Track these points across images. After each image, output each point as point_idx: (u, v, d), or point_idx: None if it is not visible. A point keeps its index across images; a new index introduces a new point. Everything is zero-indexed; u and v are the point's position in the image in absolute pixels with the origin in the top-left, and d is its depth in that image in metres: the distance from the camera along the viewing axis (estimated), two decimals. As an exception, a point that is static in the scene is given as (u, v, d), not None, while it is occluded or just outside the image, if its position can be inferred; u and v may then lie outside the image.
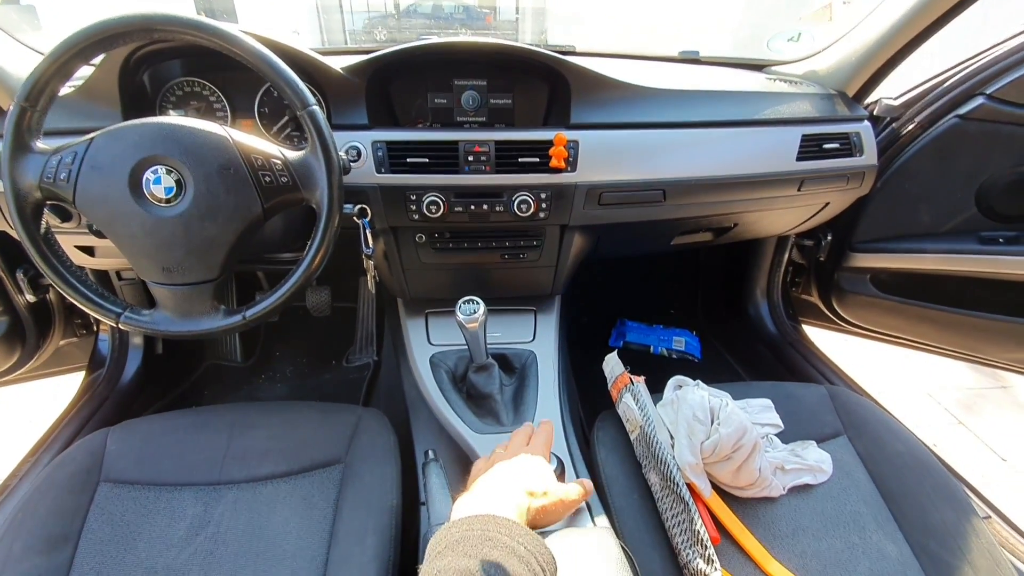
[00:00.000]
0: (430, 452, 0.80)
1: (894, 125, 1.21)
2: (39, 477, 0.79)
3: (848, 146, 1.10)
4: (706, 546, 0.70)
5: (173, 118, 0.68)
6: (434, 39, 0.91)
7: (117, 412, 1.30)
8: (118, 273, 1.34)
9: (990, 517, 1.03)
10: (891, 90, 1.22)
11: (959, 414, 2.11)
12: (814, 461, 0.85)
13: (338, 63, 0.91)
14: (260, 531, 0.76)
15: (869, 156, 1.13)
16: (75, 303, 0.71)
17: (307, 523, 0.77)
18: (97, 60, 0.85)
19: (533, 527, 0.58)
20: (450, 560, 0.44)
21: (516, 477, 0.61)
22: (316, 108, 0.69)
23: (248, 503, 0.79)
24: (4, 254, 1.15)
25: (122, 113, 0.86)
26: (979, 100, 1.11)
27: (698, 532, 0.72)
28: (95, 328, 1.44)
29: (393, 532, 0.77)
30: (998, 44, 1.12)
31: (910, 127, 1.19)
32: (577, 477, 0.87)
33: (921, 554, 0.75)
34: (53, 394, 1.83)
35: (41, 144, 0.67)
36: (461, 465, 0.93)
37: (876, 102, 1.21)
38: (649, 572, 0.72)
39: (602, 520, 0.78)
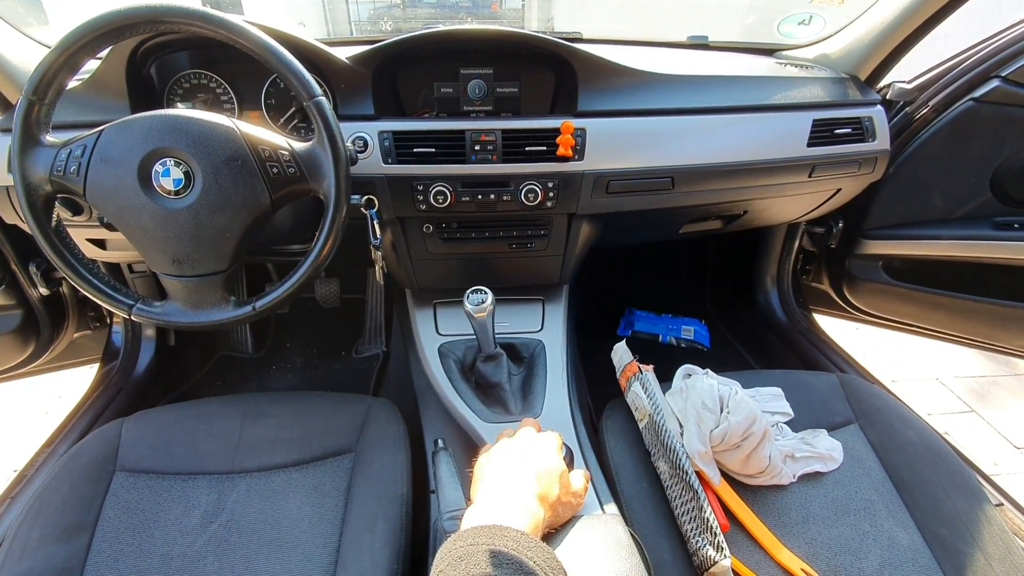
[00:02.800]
0: (439, 441, 0.80)
1: (907, 109, 1.19)
2: (56, 467, 0.81)
3: (860, 131, 1.09)
4: (715, 533, 0.71)
5: (181, 110, 0.68)
6: (440, 27, 0.90)
7: (131, 403, 1.32)
8: (130, 266, 1.36)
9: (1003, 505, 1.03)
10: (904, 74, 1.20)
11: (971, 402, 2.09)
12: (824, 449, 0.85)
13: (344, 53, 0.90)
14: (273, 519, 0.77)
15: (882, 141, 1.11)
16: (88, 295, 0.72)
17: (319, 511, 0.78)
18: (104, 53, 0.85)
19: (546, 529, 0.57)
20: None
21: (531, 481, 0.57)
22: (322, 99, 0.69)
23: (261, 491, 0.80)
24: (17, 248, 1.16)
25: (130, 106, 0.87)
26: (994, 83, 1.09)
27: (707, 520, 0.72)
28: (108, 321, 1.45)
29: (403, 520, 0.78)
30: (1014, 25, 1.09)
31: (924, 111, 1.17)
32: (586, 466, 0.87)
33: (933, 542, 0.75)
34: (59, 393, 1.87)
35: (50, 137, 0.68)
36: (470, 454, 0.93)
37: (889, 86, 1.19)
38: (658, 559, 0.72)
39: (611, 508, 0.78)
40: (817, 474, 0.83)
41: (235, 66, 0.95)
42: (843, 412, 0.94)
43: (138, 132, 0.66)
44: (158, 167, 0.66)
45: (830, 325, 1.61)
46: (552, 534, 0.61)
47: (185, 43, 0.92)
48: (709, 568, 0.68)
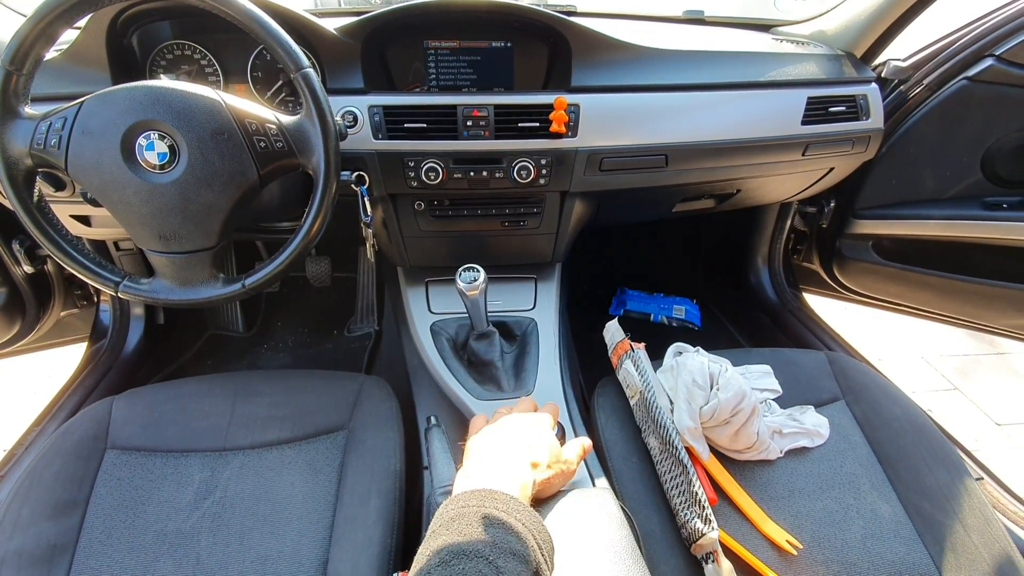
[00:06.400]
0: (432, 418, 0.80)
1: (902, 88, 1.19)
2: (45, 445, 0.80)
3: (855, 109, 1.08)
4: (704, 507, 0.72)
5: (164, 82, 0.66)
6: None
7: (121, 382, 1.31)
8: (116, 243, 1.33)
9: (983, 479, 1.05)
10: (900, 51, 1.19)
11: (955, 380, 2.13)
12: (811, 425, 0.86)
13: (332, 25, 0.88)
14: (267, 495, 0.77)
15: (876, 120, 1.11)
16: (73, 272, 0.71)
17: (312, 487, 0.79)
18: (83, 22, 0.82)
19: (536, 498, 0.58)
20: (445, 539, 0.43)
21: (521, 448, 0.58)
22: (310, 71, 0.67)
23: (254, 468, 0.81)
24: (-1, 225, 1.14)
25: (111, 77, 0.84)
26: (988, 62, 1.08)
27: (696, 494, 0.73)
28: (96, 299, 1.43)
29: (397, 495, 0.79)
30: (1009, 3, 1.08)
31: (918, 90, 1.16)
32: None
33: (914, 514, 0.77)
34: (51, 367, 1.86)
35: (29, 110, 0.66)
36: (462, 431, 0.93)
37: (884, 64, 1.18)
38: (648, 532, 0.74)
39: (602, 482, 0.79)
40: (804, 449, 0.85)
41: (220, 37, 0.93)
42: (830, 389, 0.95)
43: (120, 104, 0.64)
44: (142, 140, 0.64)
45: (819, 304, 1.62)
46: (544, 507, 0.62)
47: (167, 12, 0.89)
48: (697, 540, 0.70)
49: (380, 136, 0.88)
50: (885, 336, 2.33)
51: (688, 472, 0.75)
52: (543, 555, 0.45)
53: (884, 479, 0.81)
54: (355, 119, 0.87)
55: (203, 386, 0.91)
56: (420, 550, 0.44)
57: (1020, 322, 1.19)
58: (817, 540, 0.74)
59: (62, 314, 1.37)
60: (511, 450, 0.58)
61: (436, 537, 0.44)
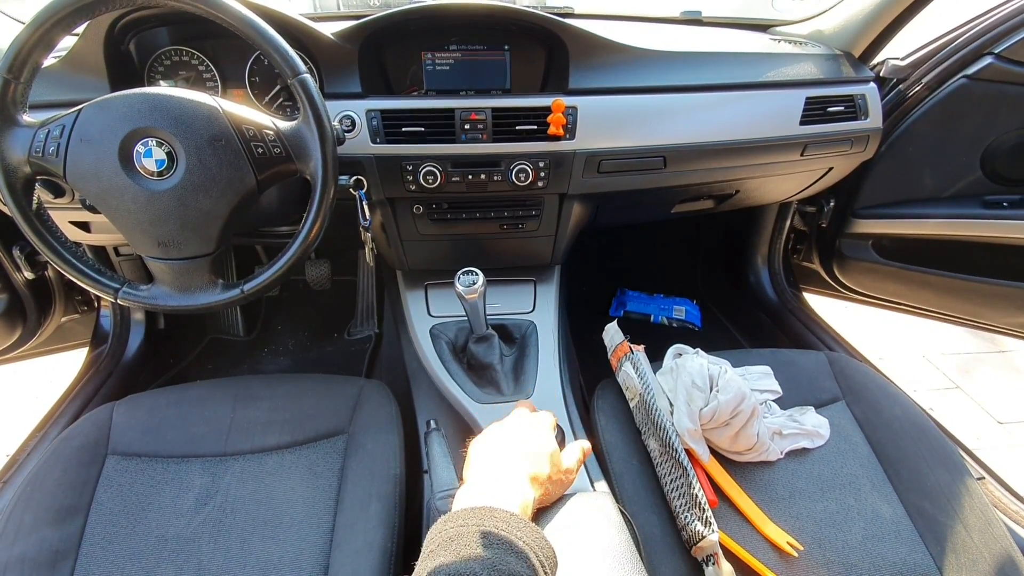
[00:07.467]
0: (432, 422, 0.80)
1: (900, 87, 1.19)
2: (47, 451, 0.81)
3: (853, 109, 1.08)
4: (704, 509, 0.72)
5: (161, 88, 0.66)
6: (429, 1, 0.88)
7: (121, 387, 1.32)
8: (116, 249, 1.34)
9: (984, 478, 1.05)
10: (899, 50, 1.19)
11: (956, 378, 2.13)
12: (812, 426, 0.86)
13: (330, 29, 0.88)
14: (267, 500, 0.78)
15: (874, 119, 1.11)
16: (73, 279, 0.71)
17: (313, 492, 0.79)
18: (81, 29, 0.82)
19: (537, 508, 0.58)
20: (442, 560, 0.42)
21: (520, 463, 0.57)
22: (307, 76, 0.67)
23: (254, 473, 0.81)
24: (-1, 231, 1.14)
25: (109, 84, 0.84)
26: (987, 60, 1.08)
27: (696, 496, 0.73)
28: (96, 305, 1.44)
29: (397, 499, 0.79)
30: (1008, 1, 1.08)
31: (917, 89, 1.16)
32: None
33: (915, 515, 0.76)
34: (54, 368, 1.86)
35: (28, 117, 0.66)
36: (462, 434, 0.94)
37: (883, 63, 1.18)
38: (648, 535, 0.74)
39: (602, 485, 0.79)
40: (804, 450, 0.84)
41: (218, 42, 0.93)
42: (830, 389, 0.95)
43: (118, 111, 0.64)
44: (140, 147, 0.65)
45: (820, 304, 1.62)
46: (543, 512, 0.62)
47: (164, 18, 0.89)
48: (697, 542, 0.70)
49: (378, 140, 0.88)
50: (886, 335, 2.33)
51: (688, 474, 0.75)
52: (545, 573, 0.45)
53: (885, 480, 0.81)
54: (353, 123, 0.87)
55: (203, 391, 0.91)
56: (417, 570, 0.44)
57: (1021, 320, 1.19)
58: (818, 541, 0.74)
59: (63, 320, 1.37)
60: (512, 464, 0.57)
61: (434, 557, 0.43)
